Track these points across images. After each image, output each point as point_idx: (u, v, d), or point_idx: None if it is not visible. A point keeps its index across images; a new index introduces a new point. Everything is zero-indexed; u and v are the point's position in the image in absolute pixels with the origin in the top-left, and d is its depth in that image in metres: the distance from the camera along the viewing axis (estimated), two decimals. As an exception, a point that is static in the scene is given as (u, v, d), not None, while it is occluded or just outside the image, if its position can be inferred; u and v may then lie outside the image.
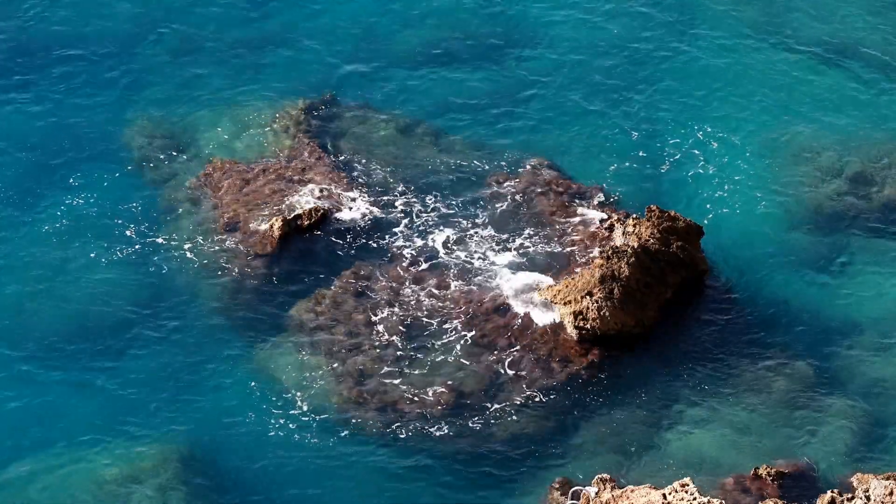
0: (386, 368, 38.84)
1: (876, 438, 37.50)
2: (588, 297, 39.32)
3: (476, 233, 42.40)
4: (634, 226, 40.96)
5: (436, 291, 40.72)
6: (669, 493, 34.43)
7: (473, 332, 39.72)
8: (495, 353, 39.26)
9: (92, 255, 41.54)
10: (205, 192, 43.50)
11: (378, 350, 39.28)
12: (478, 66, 48.46)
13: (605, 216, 42.61)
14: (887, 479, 34.93)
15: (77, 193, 43.33)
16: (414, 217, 42.92)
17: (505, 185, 43.84)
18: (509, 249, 41.89)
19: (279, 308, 40.33)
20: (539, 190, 43.55)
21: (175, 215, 42.84)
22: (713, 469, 36.71)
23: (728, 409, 38.13)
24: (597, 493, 35.44)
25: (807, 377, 38.90)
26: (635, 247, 40.09)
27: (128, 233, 42.19)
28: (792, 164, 44.96)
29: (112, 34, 49.20)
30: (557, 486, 36.16)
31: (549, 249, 41.92)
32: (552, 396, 38.35)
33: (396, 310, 40.25)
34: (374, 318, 40.02)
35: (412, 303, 40.44)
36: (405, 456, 36.96)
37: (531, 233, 42.34)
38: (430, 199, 43.44)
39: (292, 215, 42.24)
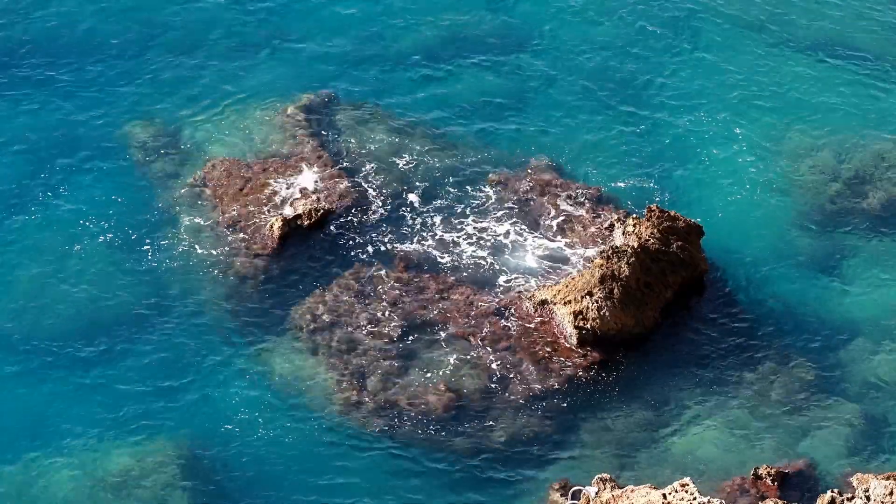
0: (386, 369, 38.83)
1: (876, 438, 37.52)
2: (588, 296, 39.32)
3: (476, 232, 42.38)
4: (634, 226, 40.95)
5: (435, 291, 40.71)
6: (669, 493, 34.43)
7: (473, 332, 39.71)
8: (495, 353, 39.26)
9: (91, 254, 41.52)
10: (204, 192, 43.49)
11: (378, 350, 39.27)
12: (478, 66, 48.44)
13: (605, 216, 42.60)
14: (887, 479, 34.93)
15: (76, 193, 43.30)
16: (414, 216, 42.91)
17: (505, 184, 43.82)
18: (509, 249, 41.89)
19: (279, 308, 40.32)
20: (539, 189, 43.53)
21: (175, 215, 42.82)
22: (713, 469, 36.72)
23: (728, 409, 38.15)
24: (597, 493, 35.44)
25: (807, 377, 38.92)
26: (635, 247, 40.08)
27: (127, 232, 42.17)
28: (792, 164, 44.96)
29: (111, 34, 49.14)
30: (557, 486, 36.17)
31: (549, 249, 41.91)
32: (552, 397, 38.36)
33: (396, 310, 40.24)
34: (374, 319, 40.01)
35: (412, 303, 40.44)
36: (405, 456, 36.96)
37: (531, 232, 42.33)
38: (430, 199, 43.43)
39: (292, 215, 42.21)
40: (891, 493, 34.37)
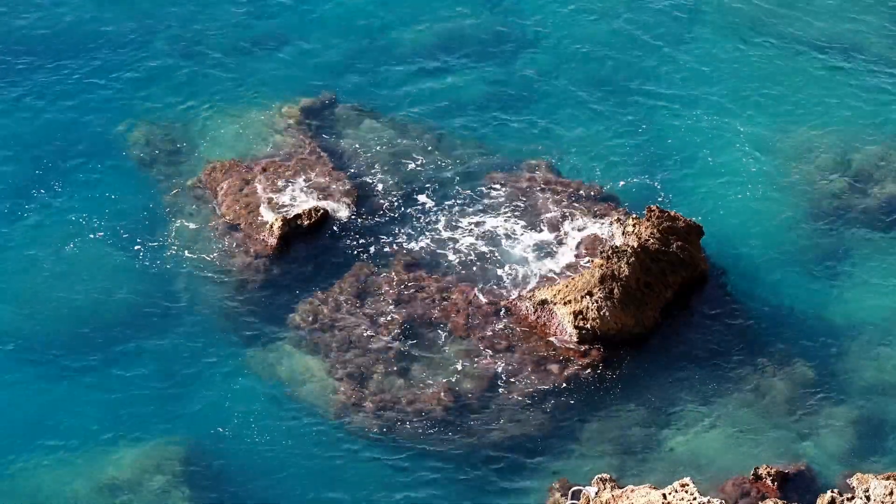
0: (385, 369, 38.84)
1: (876, 438, 37.50)
2: (588, 296, 39.31)
3: (476, 233, 42.38)
4: (634, 226, 40.94)
5: (435, 291, 40.72)
6: (669, 493, 34.44)
7: (473, 332, 39.71)
8: (495, 353, 39.25)
9: (91, 255, 41.53)
10: (205, 193, 43.50)
11: (378, 350, 39.27)
12: (478, 66, 48.44)
13: (605, 216, 42.59)
14: (887, 479, 34.94)
15: (76, 194, 43.32)
16: (414, 216, 42.93)
17: (505, 184, 43.82)
18: (509, 249, 41.89)
19: (279, 308, 40.33)
20: (539, 189, 43.53)
21: (175, 216, 42.83)
22: (713, 469, 36.71)
23: (728, 409, 38.13)
24: (597, 493, 35.44)
25: (807, 377, 38.90)
26: (635, 247, 40.08)
27: (127, 233, 42.19)
28: (792, 164, 44.96)
29: (112, 34, 49.18)
30: (557, 486, 36.17)
31: (549, 249, 41.91)
32: (552, 397, 38.36)
33: (396, 310, 40.24)
34: (374, 319, 40.02)
35: (412, 303, 40.44)
36: (404, 457, 36.95)
37: (531, 232, 42.33)
38: (430, 199, 43.44)
39: (292, 215, 42.22)
40: (891, 493, 34.37)
